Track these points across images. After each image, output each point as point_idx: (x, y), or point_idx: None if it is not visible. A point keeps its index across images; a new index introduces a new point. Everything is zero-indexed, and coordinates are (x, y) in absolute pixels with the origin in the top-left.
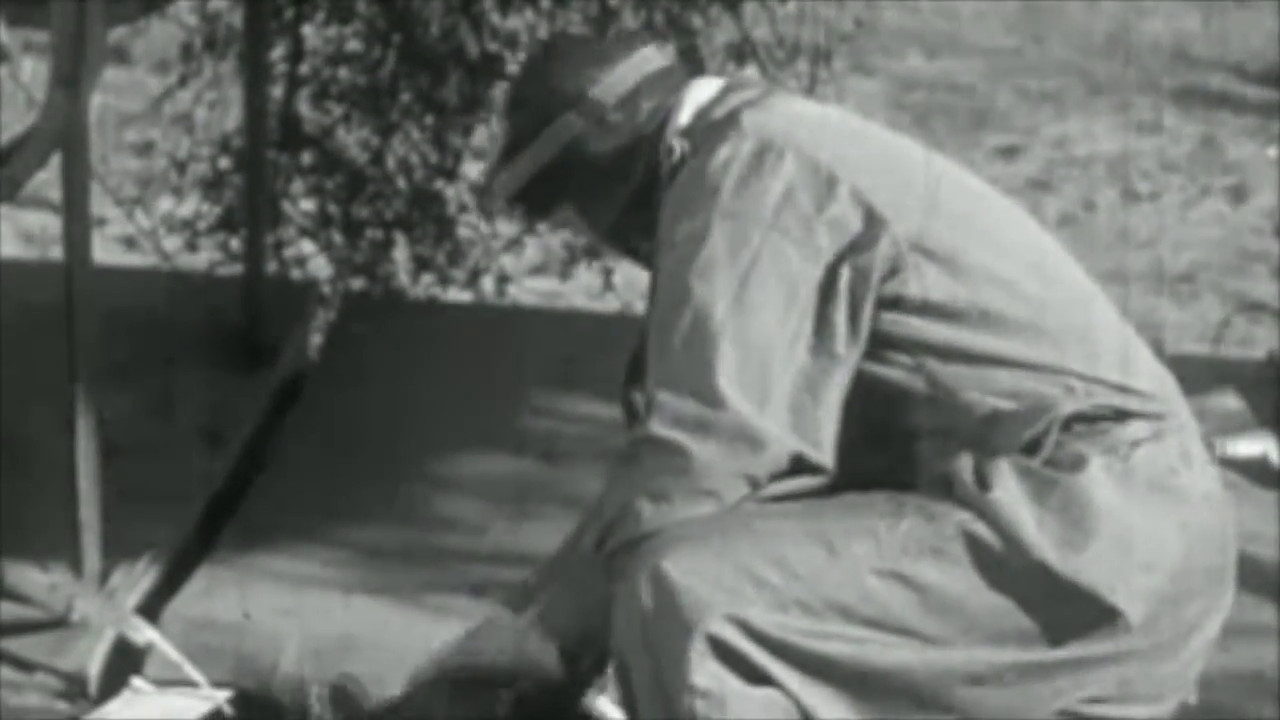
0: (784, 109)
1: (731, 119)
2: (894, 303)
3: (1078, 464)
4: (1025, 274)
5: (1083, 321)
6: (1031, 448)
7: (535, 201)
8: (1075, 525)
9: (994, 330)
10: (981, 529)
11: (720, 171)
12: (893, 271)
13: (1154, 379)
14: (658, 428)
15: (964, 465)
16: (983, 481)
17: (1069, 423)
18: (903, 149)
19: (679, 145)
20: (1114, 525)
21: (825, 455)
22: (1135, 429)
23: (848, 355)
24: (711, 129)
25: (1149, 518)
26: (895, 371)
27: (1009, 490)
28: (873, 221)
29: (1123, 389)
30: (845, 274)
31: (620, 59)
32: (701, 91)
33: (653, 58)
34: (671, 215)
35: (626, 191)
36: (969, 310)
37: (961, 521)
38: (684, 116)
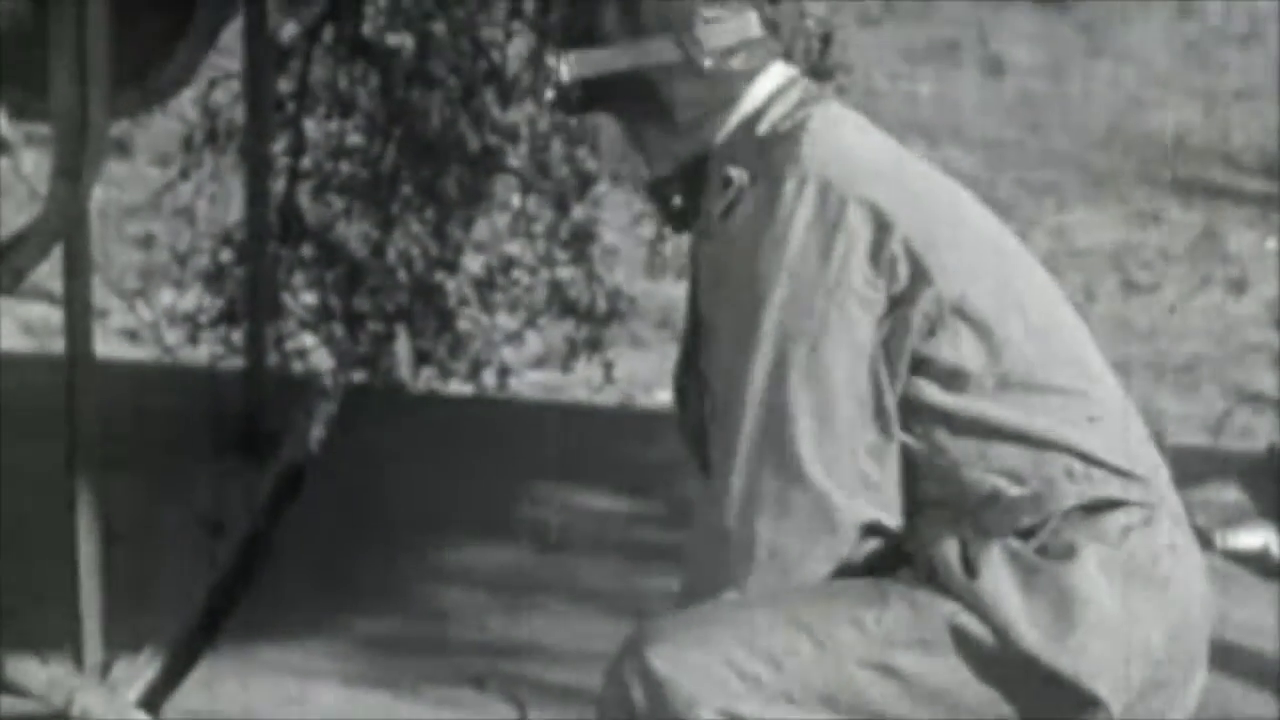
0: (844, 136)
1: (793, 143)
2: (920, 365)
3: (1069, 553)
4: (1047, 349)
5: (1092, 401)
6: (1025, 533)
7: (588, 99)
8: (1062, 615)
9: (1007, 402)
10: (968, 620)
11: (786, 220)
12: (930, 332)
13: (1150, 462)
14: (735, 519)
15: (951, 549)
16: (971, 567)
17: (1066, 512)
18: (958, 201)
19: (741, 160)
20: (1100, 615)
21: (897, 519)
22: (1128, 515)
23: (895, 413)
24: (774, 148)
25: (1135, 608)
26: (903, 437)
27: (998, 579)
28: (918, 277)
29: (1121, 473)
30: (888, 328)
31: (732, 12)
32: (772, 80)
33: (754, 25)
34: (737, 257)
35: (687, 151)
36: (989, 380)
37: (948, 613)
38: (751, 102)
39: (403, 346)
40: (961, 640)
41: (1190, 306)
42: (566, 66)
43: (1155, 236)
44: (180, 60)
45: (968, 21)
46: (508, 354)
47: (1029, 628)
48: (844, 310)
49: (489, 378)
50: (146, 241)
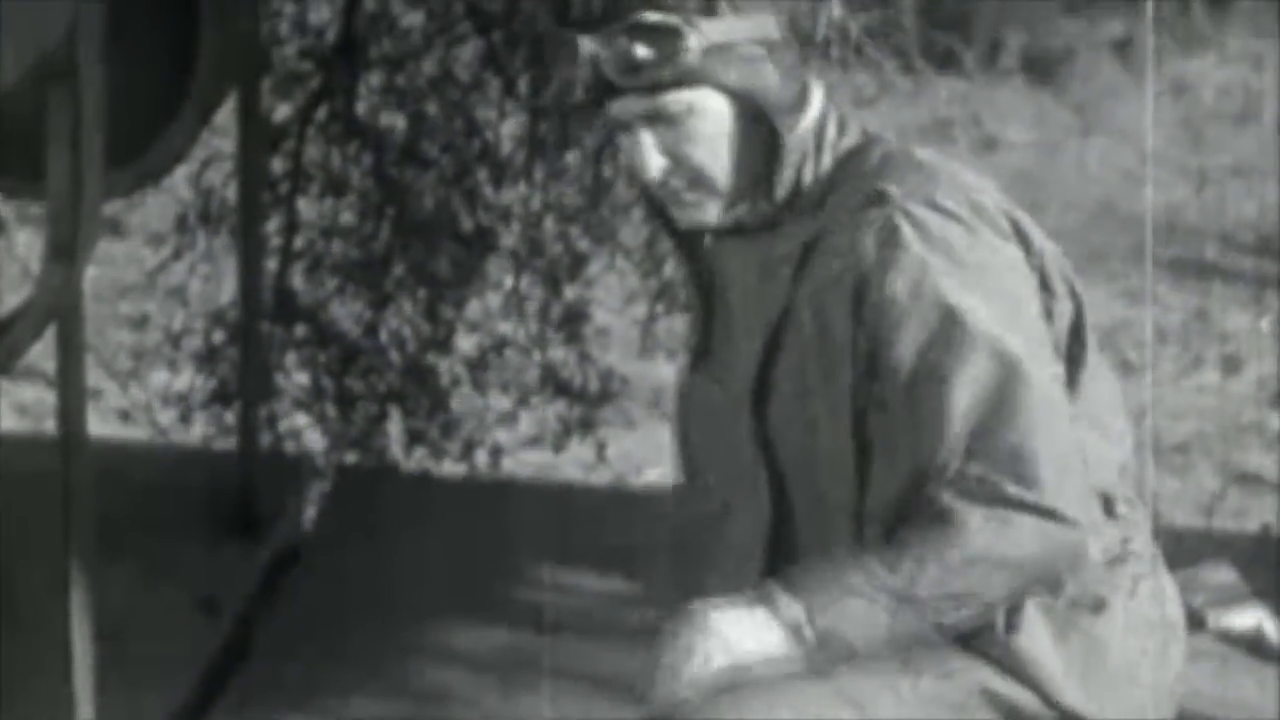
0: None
1: (921, 165)
2: None
3: (1099, 606)
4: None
5: (1107, 448)
6: (1055, 586)
7: (688, 77)
8: (1097, 668)
9: None
10: (1000, 685)
11: (978, 243)
12: None
13: (1144, 511)
14: (976, 506)
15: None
16: (1010, 623)
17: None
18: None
19: (879, 174)
20: (1127, 666)
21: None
22: (1137, 564)
23: None
24: (905, 166)
25: (1157, 655)
26: None
27: (1034, 635)
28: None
29: (1128, 522)
30: None
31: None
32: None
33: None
34: (921, 278)
35: (779, 139)
36: None
37: (981, 679)
38: (818, 104)
39: (395, 426)
40: (994, 705)
41: (1184, 386)
42: (696, 34)
43: (1148, 315)
44: (174, 140)
45: (961, 100)
46: (500, 434)
47: (1065, 681)
48: (1043, 333)
49: (482, 458)
50: (139, 321)
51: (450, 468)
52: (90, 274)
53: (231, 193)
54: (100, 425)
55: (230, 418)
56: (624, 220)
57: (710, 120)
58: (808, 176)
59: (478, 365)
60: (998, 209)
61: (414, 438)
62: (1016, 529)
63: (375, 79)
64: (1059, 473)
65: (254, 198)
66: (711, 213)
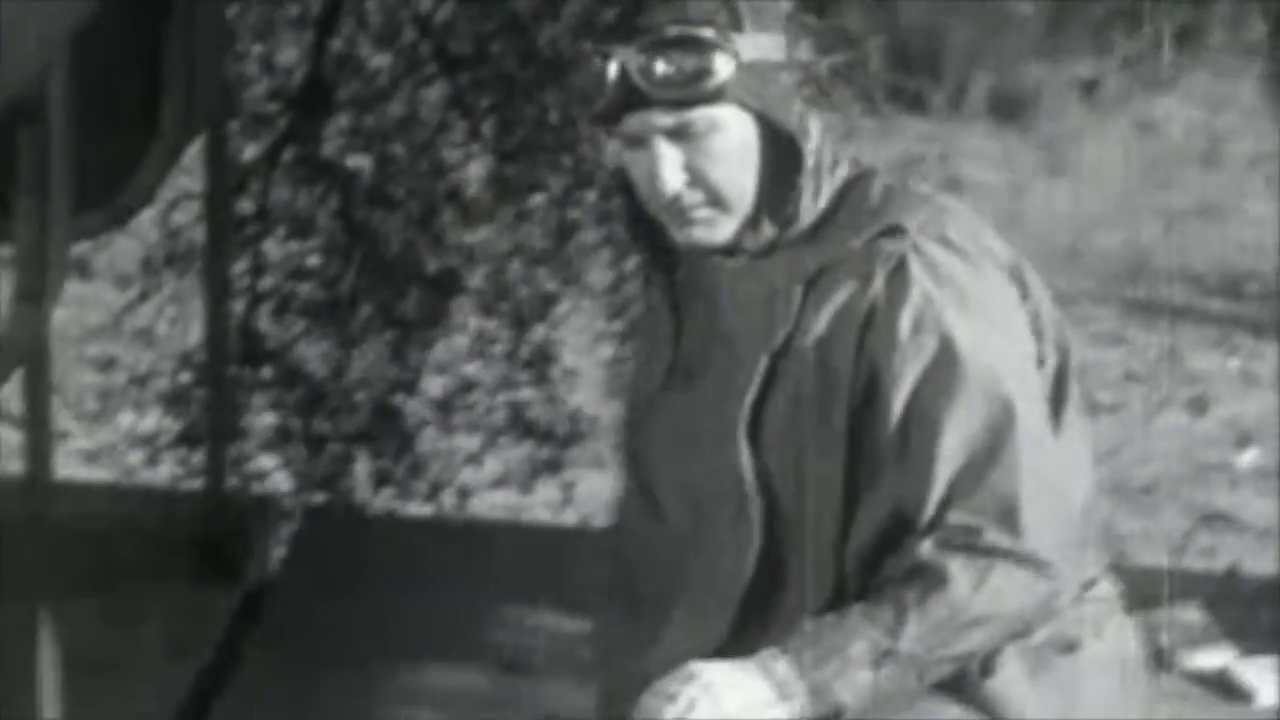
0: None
1: (929, 202)
2: None
3: (1070, 646)
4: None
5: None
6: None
7: (719, 93)
8: (1070, 708)
9: None
10: None
11: (988, 286)
12: None
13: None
14: (957, 557)
15: None
16: (985, 665)
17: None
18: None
19: (890, 209)
20: (1099, 705)
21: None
22: (1102, 605)
23: None
24: (913, 201)
25: (1123, 695)
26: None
27: (1009, 678)
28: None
29: (1089, 562)
30: None
31: None
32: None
33: None
34: (926, 313)
35: (800, 160)
36: None
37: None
38: (817, 133)
39: (362, 468)
40: None
41: (1152, 427)
42: (731, 50)
43: (1116, 356)
44: (141, 182)
45: (928, 141)
46: (468, 475)
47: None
48: (1035, 376)
49: (449, 499)
50: (106, 363)
51: (417, 509)
52: (57, 316)
53: (198, 234)
54: (67, 467)
55: (197, 459)
56: (591, 262)
57: (733, 138)
58: (812, 201)
59: (445, 406)
60: (1000, 248)
61: (381, 479)
62: (997, 581)
63: (342, 121)
64: (1041, 521)
65: (221, 239)
66: (722, 232)
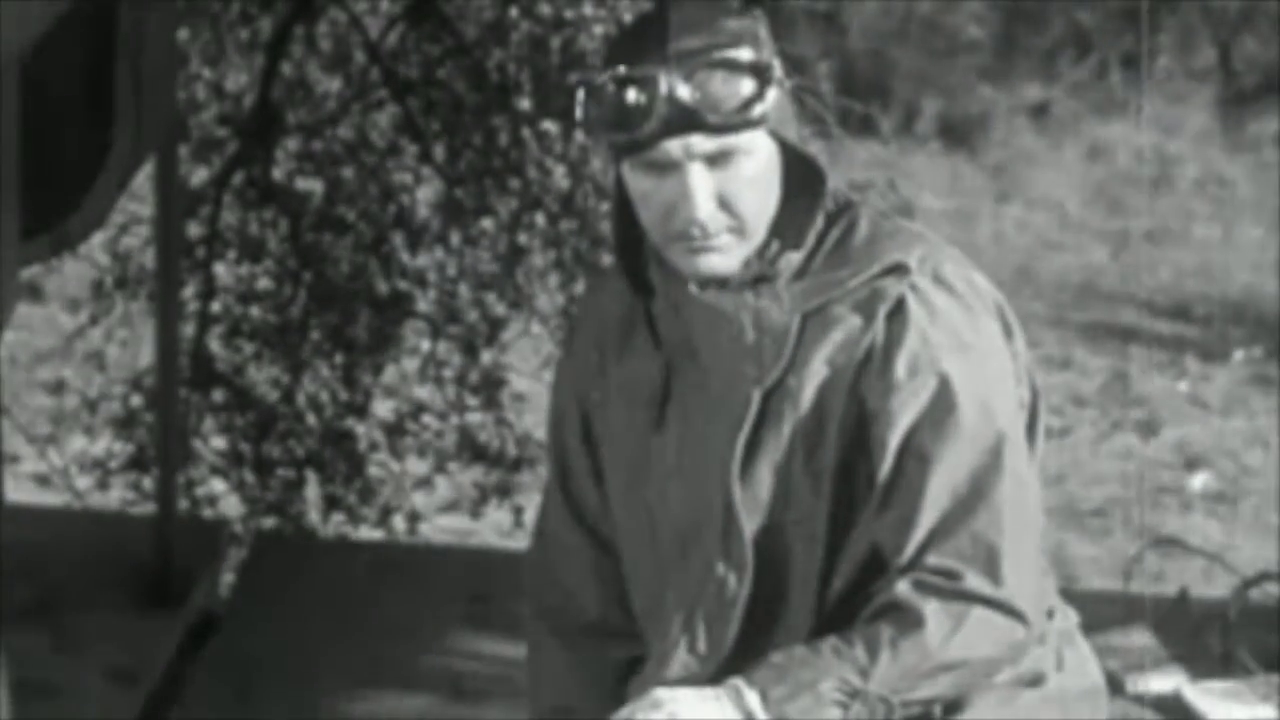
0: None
1: (928, 242)
2: None
3: (1035, 680)
4: None
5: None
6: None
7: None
8: None
9: None
10: None
11: (977, 327)
12: None
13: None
14: (933, 600)
15: None
16: (949, 704)
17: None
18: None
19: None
20: None
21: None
22: (1061, 636)
23: None
24: (911, 241)
25: None
26: None
27: (977, 712)
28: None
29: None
30: None
31: None
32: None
33: None
34: (920, 361)
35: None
36: None
37: None
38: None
39: (313, 492)
40: None
41: (1102, 450)
42: (777, 77)
43: (1066, 380)
44: (91, 205)
45: (877, 166)
46: (418, 499)
47: None
48: (1020, 419)
49: (399, 523)
50: (57, 387)
51: (368, 533)
52: (7, 339)
53: (149, 258)
54: (17, 491)
55: (148, 483)
56: (540, 286)
57: (761, 162)
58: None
59: (395, 430)
60: (986, 287)
61: (331, 503)
62: (973, 627)
63: (292, 145)
64: (1019, 569)
65: (171, 263)
66: (737, 259)
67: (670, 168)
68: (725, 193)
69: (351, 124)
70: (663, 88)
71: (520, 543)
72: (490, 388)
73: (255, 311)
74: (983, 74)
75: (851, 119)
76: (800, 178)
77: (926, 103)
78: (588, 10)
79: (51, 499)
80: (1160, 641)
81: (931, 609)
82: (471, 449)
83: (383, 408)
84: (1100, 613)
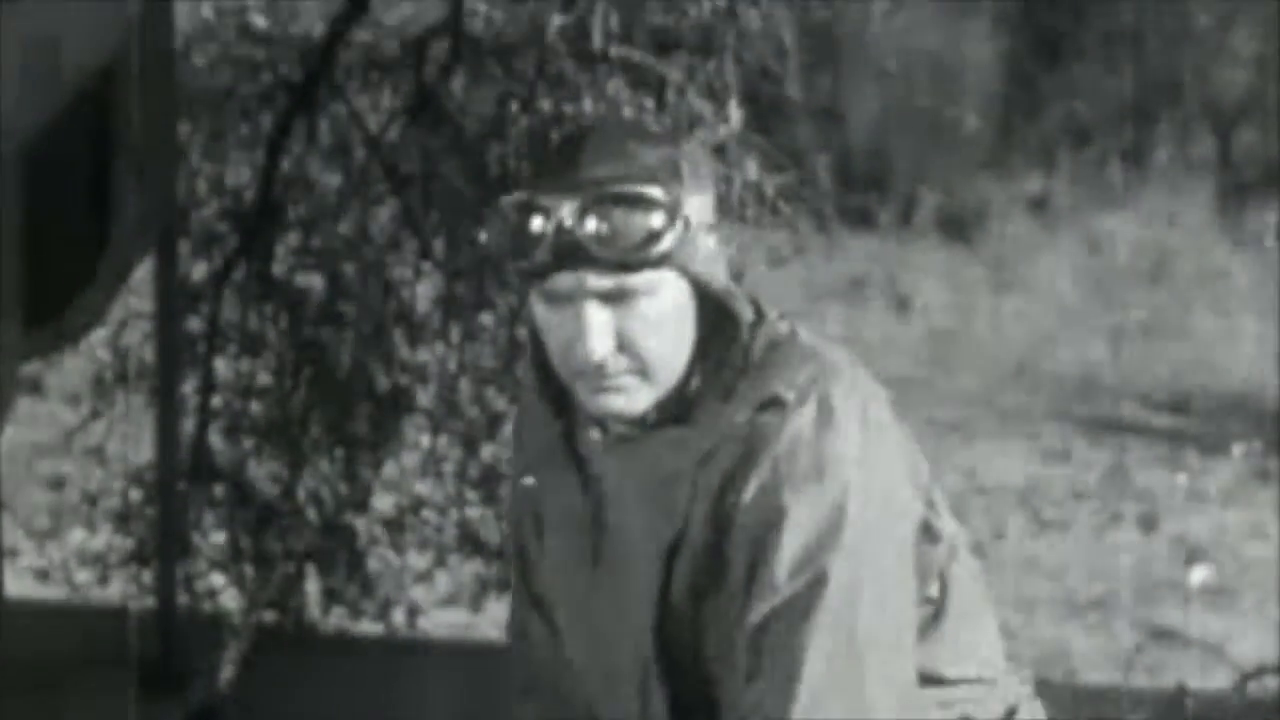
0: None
1: (822, 360)
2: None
3: None
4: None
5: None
6: None
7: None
8: None
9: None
10: None
11: (849, 438)
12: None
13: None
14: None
15: None
16: None
17: None
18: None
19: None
20: None
21: None
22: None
23: None
24: (802, 362)
25: None
26: None
27: None
28: (932, 516)
29: (1010, 688)
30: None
31: None
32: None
33: None
34: (801, 476)
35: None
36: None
37: None
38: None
39: (313, 586)
40: None
41: (1101, 543)
42: (683, 211)
43: (1065, 474)
44: (92, 301)
45: (876, 258)
46: (418, 593)
47: None
48: (907, 538)
49: (399, 617)
50: (57, 481)
51: (368, 627)
52: (8, 434)
53: (149, 353)
54: (17, 585)
55: (148, 577)
56: None
57: (666, 303)
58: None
59: (395, 524)
60: (877, 414)
61: (331, 597)
62: None
63: (292, 239)
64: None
65: (171, 358)
66: (640, 403)
67: (567, 301)
68: (625, 332)
69: (352, 218)
70: (559, 218)
71: None
72: (490, 482)
73: (255, 406)
74: (981, 166)
75: (850, 211)
76: (724, 319)
77: (925, 195)
78: (586, 105)
79: (51, 593)
80: None
81: None
82: (471, 543)
83: (383, 502)
84: (1099, 707)
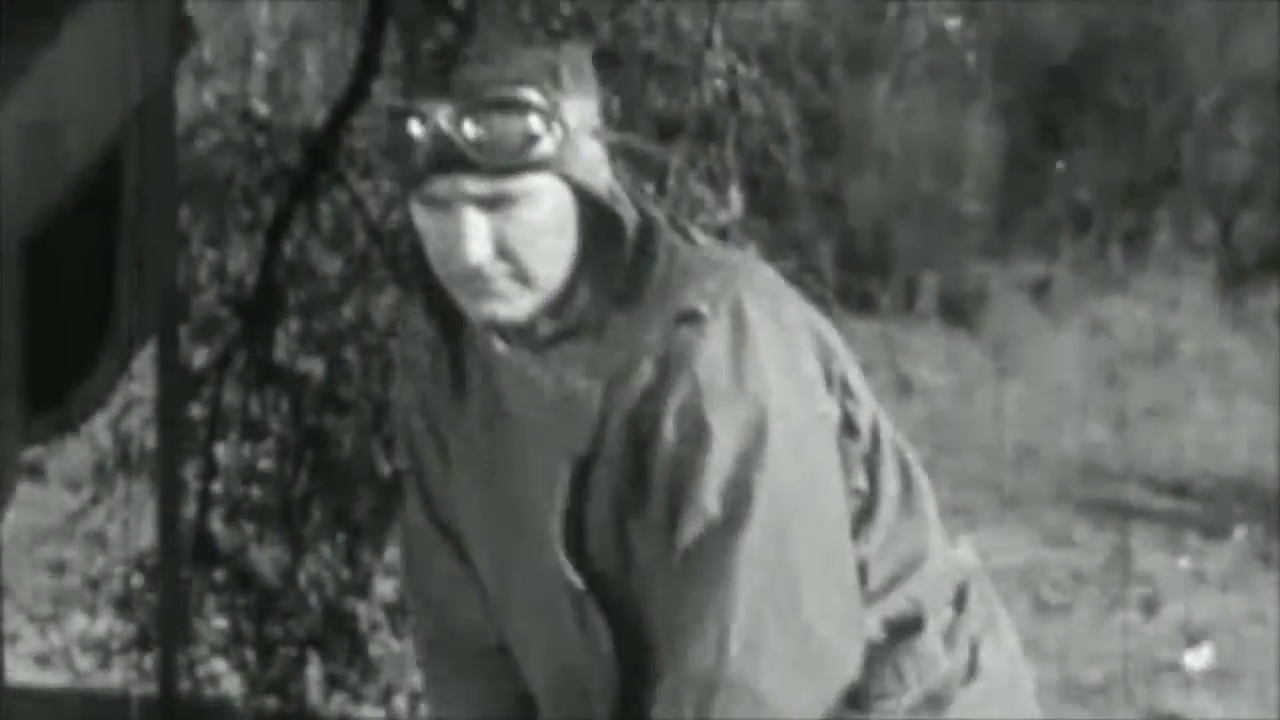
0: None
1: (734, 272)
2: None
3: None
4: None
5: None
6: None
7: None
8: None
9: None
10: None
11: (765, 351)
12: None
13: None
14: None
15: None
16: None
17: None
18: None
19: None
20: None
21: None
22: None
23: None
24: (717, 275)
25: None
26: None
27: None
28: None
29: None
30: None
31: None
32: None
33: None
34: (720, 392)
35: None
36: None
37: None
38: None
39: (315, 672)
40: None
41: (1102, 627)
42: (561, 116)
43: (1067, 557)
44: (93, 387)
45: (877, 342)
46: (420, 679)
47: None
48: (830, 442)
49: (401, 702)
50: (58, 566)
51: (369, 712)
52: (9, 519)
53: (150, 438)
54: (18, 671)
55: (149, 663)
56: None
57: (546, 209)
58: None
59: (397, 610)
60: (794, 314)
61: (333, 683)
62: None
63: (294, 325)
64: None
65: (172, 443)
66: (521, 308)
67: (445, 207)
68: (504, 238)
69: (353, 304)
70: (435, 123)
71: None
72: None
73: (257, 492)
74: (982, 250)
75: (852, 295)
76: (607, 226)
77: (926, 279)
78: None
79: (53, 679)
80: None
81: None
82: None
83: (385, 587)
84: None
